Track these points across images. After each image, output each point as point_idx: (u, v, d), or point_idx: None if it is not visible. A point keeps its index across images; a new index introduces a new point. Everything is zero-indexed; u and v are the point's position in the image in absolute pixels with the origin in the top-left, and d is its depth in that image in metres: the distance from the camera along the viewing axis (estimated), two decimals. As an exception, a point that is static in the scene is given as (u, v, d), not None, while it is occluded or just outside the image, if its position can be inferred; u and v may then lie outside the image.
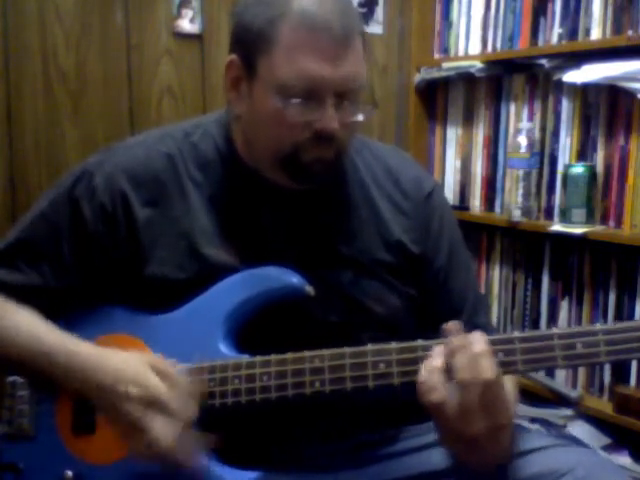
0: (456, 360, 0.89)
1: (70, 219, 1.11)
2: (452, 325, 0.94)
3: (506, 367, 0.94)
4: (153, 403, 0.95)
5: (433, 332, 1.13)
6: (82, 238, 1.10)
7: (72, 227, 1.10)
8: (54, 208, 1.12)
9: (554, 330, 0.94)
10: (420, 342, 0.97)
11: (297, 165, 1.04)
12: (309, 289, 1.05)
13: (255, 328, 1.07)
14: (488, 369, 0.88)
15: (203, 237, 1.09)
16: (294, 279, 1.05)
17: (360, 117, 1.05)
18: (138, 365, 0.98)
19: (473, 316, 1.19)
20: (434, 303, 1.18)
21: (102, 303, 1.12)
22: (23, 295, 1.09)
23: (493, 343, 0.93)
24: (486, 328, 1.18)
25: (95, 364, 1.00)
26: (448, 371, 0.90)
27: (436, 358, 0.92)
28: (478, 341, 0.91)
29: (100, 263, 1.10)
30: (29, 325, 1.07)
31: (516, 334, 0.95)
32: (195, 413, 0.97)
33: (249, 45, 1.03)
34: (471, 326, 1.15)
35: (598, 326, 0.93)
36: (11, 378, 1.14)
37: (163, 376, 0.97)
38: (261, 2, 1.02)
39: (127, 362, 0.99)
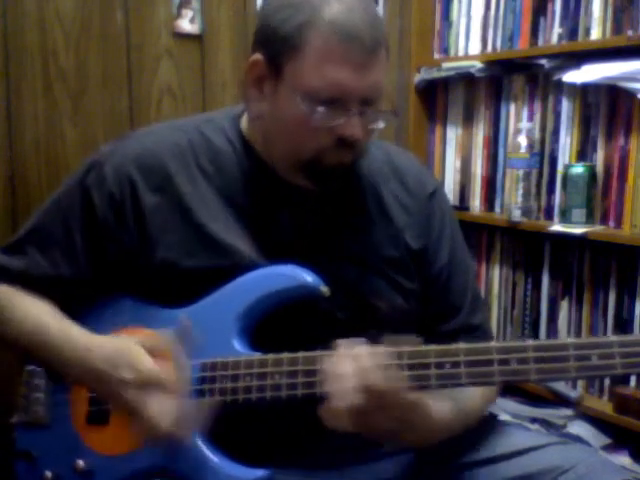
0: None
1: (81, 208, 1.12)
2: (340, 342, 0.95)
3: (518, 375, 0.93)
4: (147, 383, 0.96)
5: (431, 328, 1.14)
6: (93, 227, 1.11)
7: (83, 216, 1.12)
8: (67, 197, 1.15)
9: (569, 340, 0.92)
10: (433, 347, 0.96)
11: (318, 169, 1.06)
12: (324, 289, 1.05)
13: (264, 324, 1.07)
14: (376, 380, 0.90)
15: (214, 225, 1.09)
16: (310, 278, 1.05)
17: (381, 124, 1.07)
18: (130, 348, 0.99)
19: (471, 315, 1.19)
20: (434, 301, 1.18)
21: (115, 296, 1.13)
22: (36, 286, 1.11)
23: (506, 351, 0.93)
24: (482, 328, 1.19)
25: (92, 354, 1.02)
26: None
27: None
28: (364, 355, 0.92)
29: (111, 252, 1.11)
30: (37, 315, 1.09)
31: (530, 342, 0.93)
32: (189, 382, 0.98)
33: (276, 48, 1.03)
34: (468, 325, 1.17)
35: (613, 337, 0.91)
36: (30, 367, 1.15)
37: (155, 353, 0.98)
38: (290, 5, 1.02)
39: (119, 347, 1.00)
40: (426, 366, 0.94)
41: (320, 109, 1.01)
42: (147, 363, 0.97)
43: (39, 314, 1.09)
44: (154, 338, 1.01)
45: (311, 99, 1.01)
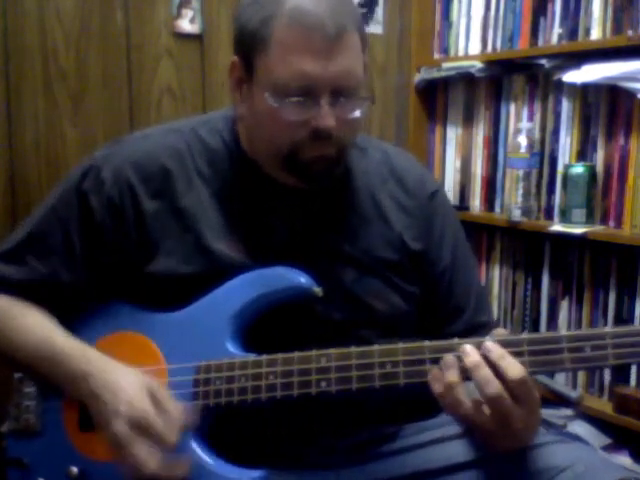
0: (478, 377, 0.91)
1: (78, 212, 1.11)
2: (467, 348, 0.94)
3: None
4: (139, 425, 0.95)
5: (436, 329, 1.14)
6: (91, 231, 1.11)
7: (81, 220, 1.11)
8: (63, 202, 1.13)
9: (562, 332, 0.94)
10: (427, 343, 0.96)
11: (297, 164, 1.05)
12: (317, 290, 1.05)
13: (259, 325, 1.07)
14: (513, 368, 0.90)
15: (210, 231, 1.09)
16: (303, 279, 1.05)
17: (357, 113, 1.05)
18: (136, 386, 0.98)
19: (476, 314, 1.19)
20: (438, 302, 1.18)
21: (110, 300, 1.12)
22: (33, 293, 1.11)
23: (501, 345, 0.93)
24: (489, 325, 1.19)
25: (98, 377, 1.01)
26: (467, 379, 0.92)
27: (451, 372, 0.92)
28: (492, 348, 0.92)
29: (108, 256, 1.11)
30: (39, 328, 1.08)
31: (524, 336, 0.94)
32: (178, 440, 0.96)
33: (246, 46, 1.04)
34: (474, 324, 1.17)
35: (606, 329, 0.92)
36: (18, 375, 1.15)
37: (157, 402, 0.97)
38: (256, 2, 1.03)
39: (127, 381, 0.99)
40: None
41: (289, 102, 1.00)
42: (146, 405, 0.96)
43: (44, 329, 1.08)
44: (159, 387, 1.00)
45: (280, 93, 1.00)
